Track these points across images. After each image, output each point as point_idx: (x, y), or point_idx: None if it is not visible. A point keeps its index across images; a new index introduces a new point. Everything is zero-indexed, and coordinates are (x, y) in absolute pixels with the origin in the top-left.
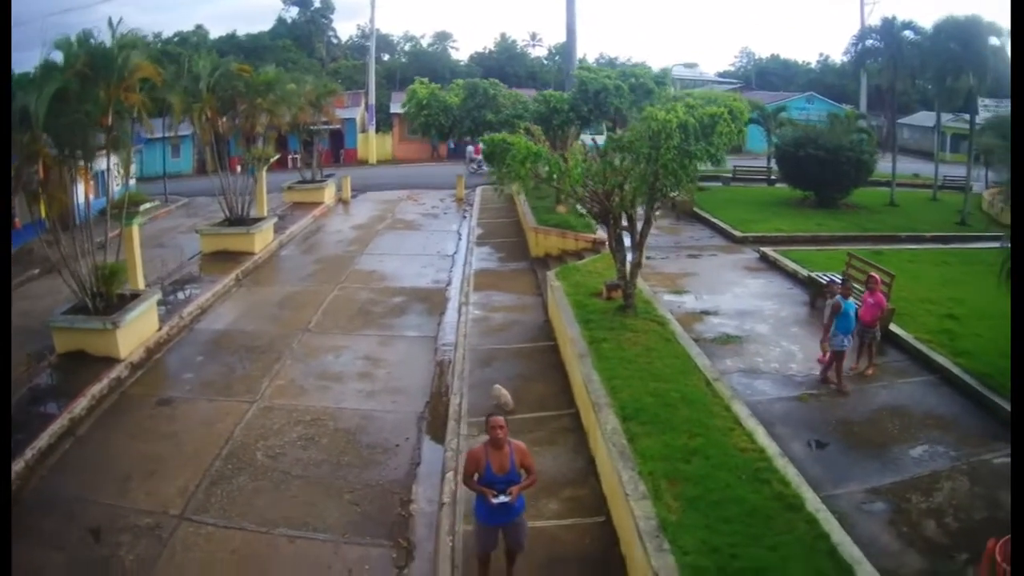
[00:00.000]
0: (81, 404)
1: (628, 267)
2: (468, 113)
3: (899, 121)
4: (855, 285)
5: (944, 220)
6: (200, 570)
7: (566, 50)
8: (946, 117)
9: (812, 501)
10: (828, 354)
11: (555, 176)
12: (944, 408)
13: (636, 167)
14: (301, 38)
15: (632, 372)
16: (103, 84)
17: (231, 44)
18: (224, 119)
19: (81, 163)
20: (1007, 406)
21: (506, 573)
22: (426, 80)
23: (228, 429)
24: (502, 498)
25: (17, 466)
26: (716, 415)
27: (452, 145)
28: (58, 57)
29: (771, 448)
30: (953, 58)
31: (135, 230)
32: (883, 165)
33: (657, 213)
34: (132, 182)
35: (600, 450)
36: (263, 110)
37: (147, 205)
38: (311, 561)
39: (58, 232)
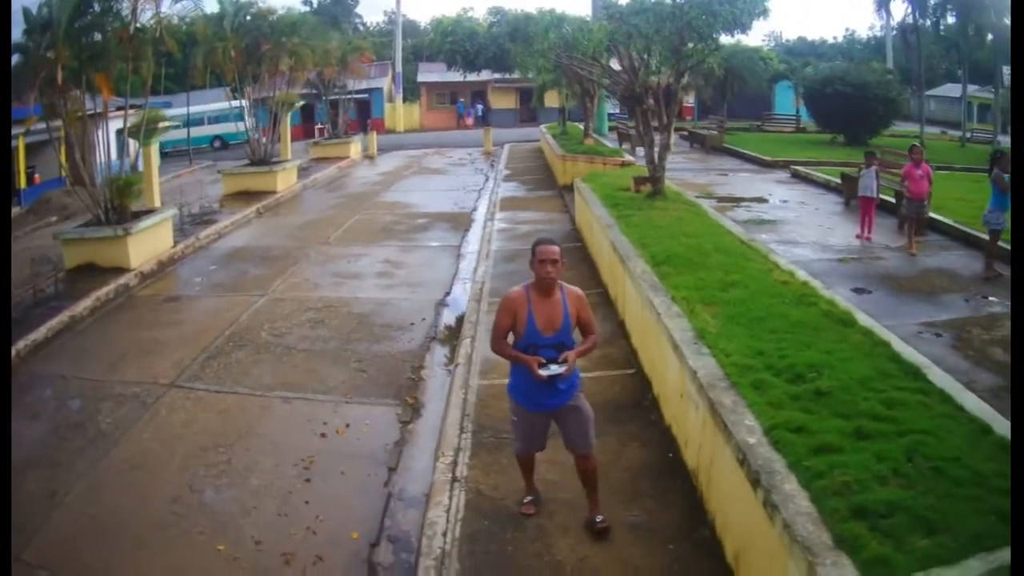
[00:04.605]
0: (84, 304)
1: (656, 151)
2: (493, 39)
3: (925, 93)
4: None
5: (976, 159)
6: (181, 428)
7: None
8: (971, 88)
9: (865, 319)
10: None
11: (581, 40)
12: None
13: (661, 28)
14: (326, 20)
15: (662, 235)
16: None
17: None
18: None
19: (100, 71)
20: None
21: (589, 507)
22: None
23: (234, 316)
24: (553, 368)
25: None
26: (753, 260)
27: (479, 113)
28: None
29: (815, 282)
30: None
31: (153, 149)
32: (908, 125)
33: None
34: (149, 100)
35: (628, 297)
36: (288, 52)
37: (166, 124)
38: (305, 417)
39: (74, 144)
